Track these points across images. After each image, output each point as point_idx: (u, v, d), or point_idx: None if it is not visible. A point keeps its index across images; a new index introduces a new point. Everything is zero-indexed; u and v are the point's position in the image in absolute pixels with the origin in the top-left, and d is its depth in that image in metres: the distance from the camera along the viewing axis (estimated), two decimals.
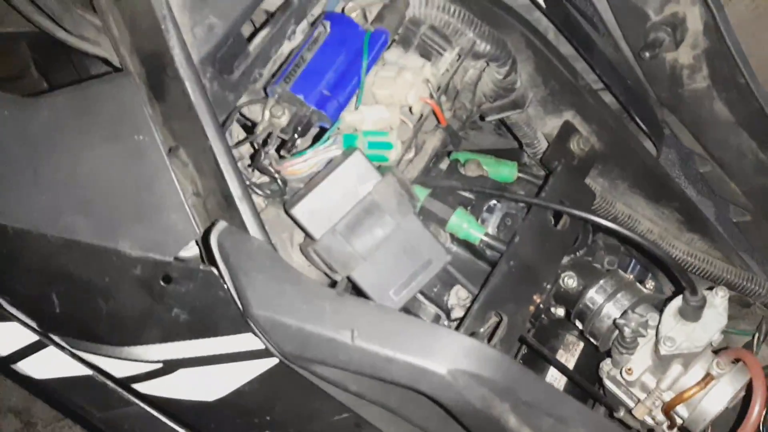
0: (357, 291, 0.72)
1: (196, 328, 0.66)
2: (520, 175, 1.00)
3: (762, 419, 0.79)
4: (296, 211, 0.67)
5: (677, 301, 0.80)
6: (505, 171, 1.00)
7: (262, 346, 0.65)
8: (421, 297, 0.91)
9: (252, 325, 0.61)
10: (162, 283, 0.65)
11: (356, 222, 0.68)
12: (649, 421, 0.87)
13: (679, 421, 0.85)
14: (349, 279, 0.70)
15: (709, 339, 0.78)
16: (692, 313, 0.78)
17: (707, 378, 0.80)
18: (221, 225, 0.63)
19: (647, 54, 0.82)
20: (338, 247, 0.67)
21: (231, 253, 0.61)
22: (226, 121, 0.75)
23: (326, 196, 0.68)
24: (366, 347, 0.57)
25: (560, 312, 0.99)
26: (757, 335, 1.06)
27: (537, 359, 1.00)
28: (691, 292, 0.76)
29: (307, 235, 0.69)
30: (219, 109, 0.73)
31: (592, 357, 0.97)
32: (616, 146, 0.99)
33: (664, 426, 0.87)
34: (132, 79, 0.67)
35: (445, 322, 0.90)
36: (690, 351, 0.78)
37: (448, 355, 0.57)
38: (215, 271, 0.63)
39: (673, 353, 0.78)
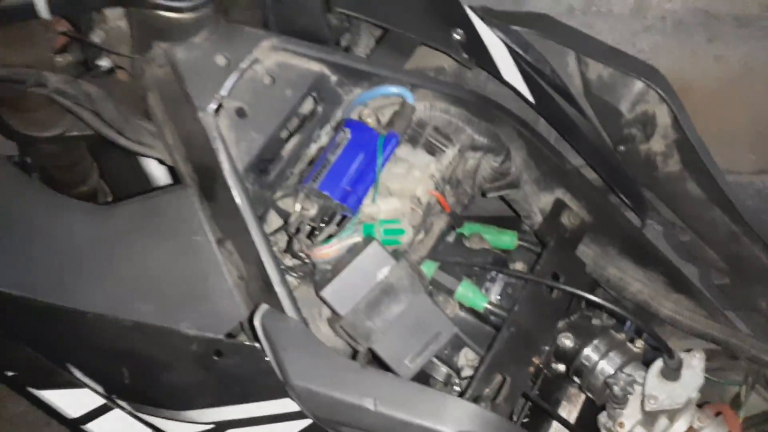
0: (377, 359, 0.84)
1: (243, 394, 0.78)
2: (520, 243, 1.13)
3: None
4: (325, 292, 0.80)
5: (659, 363, 0.91)
6: (506, 240, 1.13)
7: (298, 409, 0.77)
8: (434, 359, 1.02)
9: (290, 392, 0.73)
10: (214, 357, 0.77)
11: (375, 301, 0.80)
12: None
13: None
14: (370, 350, 0.82)
15: (687, 396, 0.89)
16: (671, 373, 0.88)
17: (690, 431, 0.90)
18: (263, 308, 0.76)
19: (622, 147, 0.95)
20: (360, 322, 0.80)
21: (272, 332, 0.74)
22: (263, 215, 0.89)
23: (350, 280, 0.80)
24: (386, 413, 0.68)
25: (561, 367, 1.09)
26: (744, 387, 1.16)
27: (541, 413, 1.10)
28: (669, 356, 0.87)
29: (334, 312, 0.81)
30: (258, 205, 0.87)
31: (593, 407, 1.07)
32: (603, 219, 1.11)
33: None
34: (189, 191, 0.81)
35: (456, 380, 1.02)
36: (672, 407, 0.88)
37: (455, 419, 0.69)
38: (258, 346, 0.76)
39: (657, 409, 0.89)
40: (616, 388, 0.91)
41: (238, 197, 0.79)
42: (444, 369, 1.02)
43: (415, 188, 0.90)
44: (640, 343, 1.06)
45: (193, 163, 0.87)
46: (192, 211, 0.80)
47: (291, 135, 0.93)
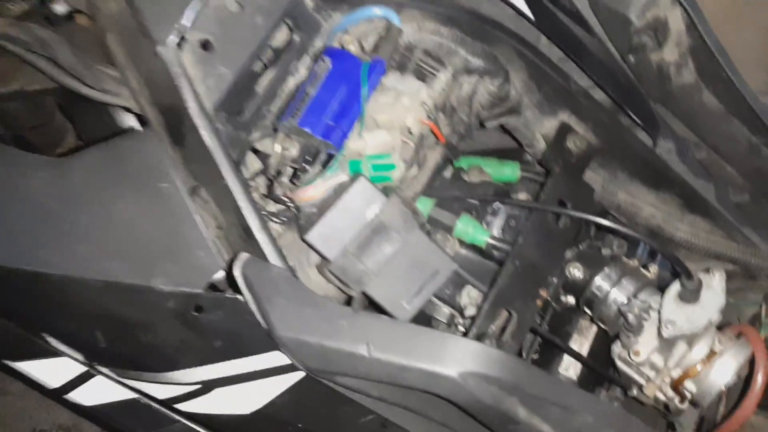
0: (372, 304, 0.78)
1: (228, 350, 0.73)
2: (523, 174, 1.06)
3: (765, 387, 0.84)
4: (310, 236, 0.74)
5: (676, 286, 0.85)
6: (508, 171, 1.06)
7: (289, 362, 0.72)
8: (435, 299, 0.97)
9: (278, 344, 0.68)
10: (194, 313, 0.72)
11: (366, 242, 0.74)
12: (661, 397, 0.92)
13: (688, 395, 0.90)
14: (364, 294, 0.76)
15: (708, 319, 0.83)
16: (690, 295, 0.83)
17: (711, 354, 0.85)
18: (243, 256, 0.70)
19: (632, 58, 0.86)
20: (351, 266, 0.74)
21: (254, 282, 0.68)
22: (240, 158, 0.82)
23: (337, 221, 0.74)
24: (382, 358, 0.63)
25: (571, 300, 1.04)
26: (764, 306, 1.10)
27: (552, 348, 1.05)
28: (687, 277, 0.80)
29: (322, 257, 0.75)
30: (233, 148, 0.80)
31: (606, 338, 1.02)
32: (612, 141, 1.03)
33: (676, 401, 0.92)
34: (153, 135, 0.74)
35: (460, 321, 0.97)
36: (691, 332, 0.83)
37: (457, 360, 0.64)
38: (241, 298, 0.70)
39: (675, 335, 0.83)
40: (630, 316, 0.86)
41: (208, 139, 0.72)
42: (446, 309, 0.97)
43: (405, 118, 0.83)
44: (654, 269, 1.00)
45: (158, 106, 0.79)
46: (157, 155, 0.73)
47: (265, 69, 0.85)
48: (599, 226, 0.92)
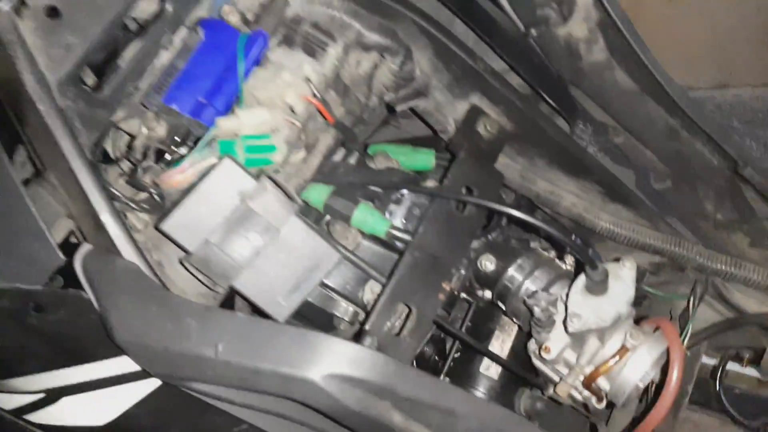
0: (247, 302, 0.70)
1: (73, 354, 0.64)
2: (439, 162, 0.99)
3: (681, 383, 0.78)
4: (166, 226, 0.65)
5: (582, 277, 0.79)
6: (422, 159, 0.99)
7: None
8: (335, 295, 0.89)
9: (121, 348, 0.59)
10: (33, 312, 0.63)
11: (233, 230, 0.66)
12: (577, 396, 0.86)
13: (603, 393, 0.83)
14: (233, 290, 0.68)
15: (617, 312, 0.77)
16: (597, 287, 0.77)
17: (622, 350, 0.79)
18: (85, 247, 0.61)
19: (534, 31, 0.80)
20: (215, 257, 0.65)
21: (95, 277, 0.59)
22: (100, 139, 0.73)
23: (198, 208, 0.66)
24: (231, 361, 0.55)
25: (488, 294, 0.98)
26: (692, 299, 1.05)
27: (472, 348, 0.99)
28: (591, 267, 0.74)
29: (182, 249, 0.67)
30: (87, 127, 0.71)
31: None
32: (527, 126, 0.97)
33: (593, 400, 0.86)
34: None
35: (363, 317, 0.89)
36: (599, 326, 0.77)
37: (319, 361, 0.56)
38: (84, 294, 0.61)
39: (581, 329, 0.77)
40: (536, 309, 0.79)
41: (47, 115, 0.63)
42: (348, 306, 0.89)
43: (285, 94, 0.75)
44: (570, 260, 0.95)
45: None
46: None
47: (130, 40, 0.76)
48: (501, 215, 0.85)
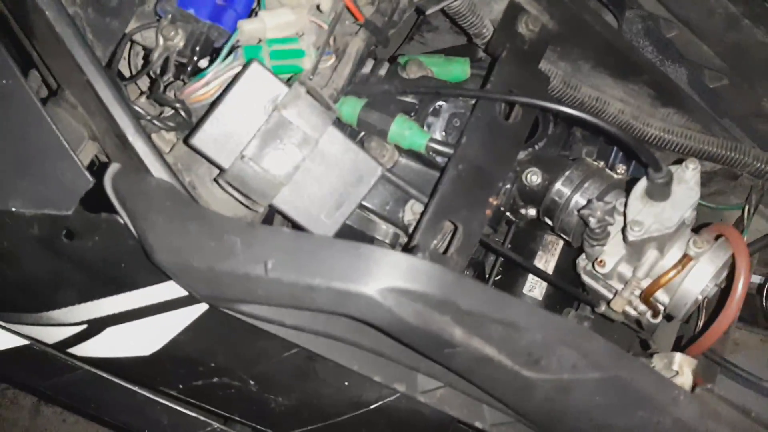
0: (288, 221, 0.66)
1: (113, 282, 0.61)
2: (474, 71, 0.92)
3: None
4: (196, 141, 0.60)
5: (643, 182, 0.73)
6: (457, 69, 0.91)
7: (187, 293, 0.60)
8: (374, 217, 0.85)
9: (160, 269, 0.55)
10: (65, 239, 0.59)
11: (267, 143, 0.61)
12: (632, 311, 0.83)
13: (661, 307, 0.80)
14: (273, 208, 0.64)
15: (680, 217, 0.72)
16: (659, 191, 0.71)
17: (684, 259, 0.74)
18: (113, 168, 0.57)
19: None
20: (251, 174, 0.61)
21: (127, 197, 0.55)
22: (115, 53, 0.67)
23: (228, 119, 0.60)
24: (282, 278, 0.51)
25: (532, 212, 0.93)
26: (747, 207, 0.99)
27: (515, 267, 0.95)
28: (654, 169, 0.68)
29: (216, 166, 0.62)
30: (102, 39, 0.65)
31: (574, 253, 0.91)
32: (572, 23, 0.89)
33: (648, 315, 0.82)
34: None
35: (404, 240, 0.85)
36: (661, 233, 0.72)
37: (375, 274, 0.52)
38: (119, 218, 0.57)
39: (642, 237, 0.72)
40: (592, 220, 0.74)
41: (56, 23, 0.57)
42: (389, 228, 0.85)
43: None
44: (621, 169, 0.88)
45: None
46: None
47: None
48: (553, 113, 0.79)
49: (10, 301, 0.65)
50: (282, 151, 0.61)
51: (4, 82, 0.57)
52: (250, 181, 0.61)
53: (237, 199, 0.65)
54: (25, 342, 0.71)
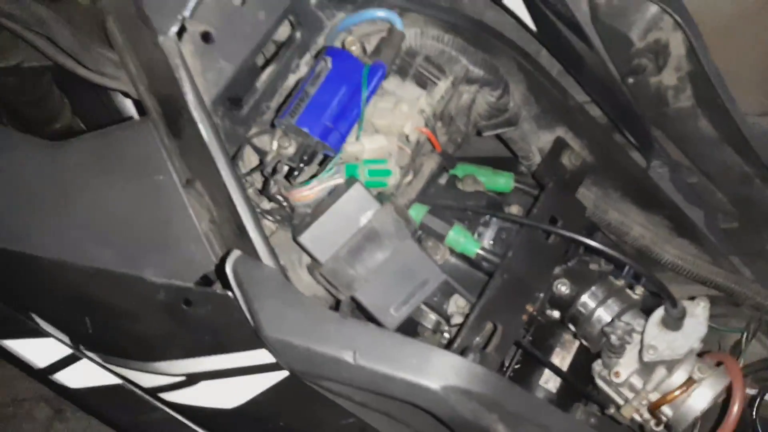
0: (360, 309, 0.78)
1: (215, 345, 0.73)
2: (517, 185, 1.06)
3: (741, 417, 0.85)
4: (303, 238, 0.73)
5: (660, 311, 0.86)
6: (502, 182, 1.06)
7: (274, 360, 0.72)
8: (423, 306, 0.97)
9: (265, 344, 0.68)
10: (183, 306, 0.72)
11: (358, 247, 0.74)
12: (638, 418, 0.94)
13: (664, 418, 0.91)
14: (352, 299, 0.76)
15: (689, 347, 0.84)
16: (674, 323, 0.84)
17: (689, 382, 0.86)
18: (235, 254, 0.70)
19: (631, 80, 0.87)
20: (341, 270, 0.74)
21: (245, 280, 0.68)
22: (237, 153, 0.82)
23: (330, 225, 0.74)
24: (367, 366, 0.63)
25: (556, 314, 1.05)
26: (745, 334, 1.12)
27: (534, 360, 1.06)
28: (672, 305, 0.81)
29: (314, 259, 0.75)
30: (230, 142, 0.79)
31: (588, 354, 1.03)
32: (606, 159, 1.04)
33: (651, 423, 0.93)
34: (151, 125, 0.73)
35: (446, 328, 0.97)
36: (671, 358, 0.84)
37: (440, 373, 0.64)
38: (231, 295, 0.70)
39: (656, 360, 0.84)
40: (613, 338, 0.87)
41: (205, 133, 0.72)
42: (433, 316, 0.98)
43: (404, 125, 0.83)
44: (639, 290, 1.01)
45: (156, 95, 0.79)
46: (154, 147, 0.72)
47: (266, 64, 0.85)
48: (588, 247, 0.93)
49: (124, 350, 0.77)
50: (368, 254, 0.74)
51: (160, 177, 0.71)
52: (339, 276, 0.74)
53: (324, 287, 0.78)
54: (118, 381, 0.83)
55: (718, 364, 0.90)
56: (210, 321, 0.72)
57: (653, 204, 1.08)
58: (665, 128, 0.99)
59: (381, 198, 0.78)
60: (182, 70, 0.73)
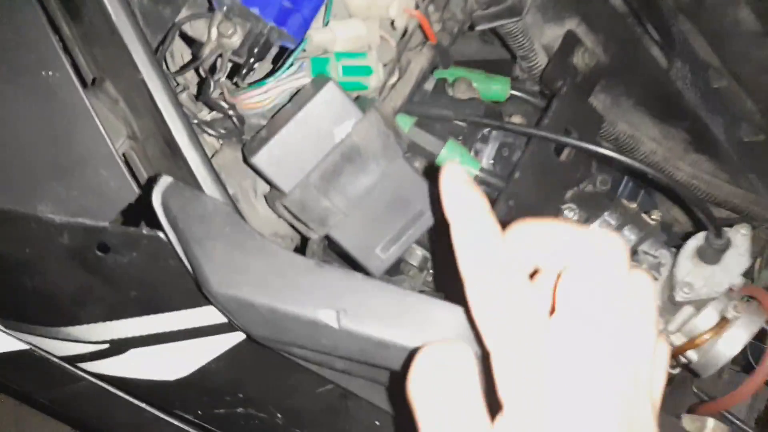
0: (336, 250, 0.61)
1: (146, 302, 0.55)
2: (513, 92, 0.88)
3: None
4: (258, 159, 0.54)
5: (694, 242, 0.72)
6: (497, 88, 0.88)
7: (226, 320, 0.55)
8: None
9: (212, 302, 0.50)
10: (98, 252, 0.53)
11: (333, 170, 0.56)
12: None
13: (685, 361, 0.79)
14: (327, 237, 0.59)
15: (730, 283, 0.71)
16: (712, 255, 0.70)
17: (722, 322, 0.74)
18: (165, 180, 0.50)
19: None
20: (313, 201, 0.56)
21: (180, 217, 0.49)
22: (163, 43, 0.60)
23: (295, 140, 0.55)
24: (355, 330, 0.47)
25: None
26: (759, 260, 1.00)
27: None
28: (716, 234, 0.67)
29: (274, 187, 0.57)
30: (152, 28, 0.58)
31: None
32: (625, 59, 0.87)
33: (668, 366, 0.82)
34: (35, 4, 0.51)
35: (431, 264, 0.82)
36: (709, 297, 0.71)
37: (452, 335, 0.48)
38: (162, 236, 0.51)
39: (691, 299, 0.71)
40: None
41: (114, 12, 0.50)
42: (420, 251, 0.81)
43: (388, 5, 0.62)
44: (656, 214, 0.87)
45: None
46: (36, 28, 0.50)
47: None
48: (626, 168, 0.76)
49: (24, 312, 0.58)
50: (348, 179, 0.56)
51: (50, 73, 0.49)
52: (310, 208, 0.56)
53: (288, 222, 0.60)
54: (25, 347, 0.64)
55: (748, 299, 0.78)
56: (136, 271, 0.53)
57: (671, 114, 0.92)
58: (698, 18, 0.82)
59: (361, 104, 0.59)
60: None
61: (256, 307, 0.48)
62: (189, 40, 0.64)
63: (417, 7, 0.65)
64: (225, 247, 0.49)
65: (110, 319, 0.56)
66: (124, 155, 0.56)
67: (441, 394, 0.29)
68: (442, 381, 0.29)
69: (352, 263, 0.61)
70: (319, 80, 0.57)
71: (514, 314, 0.29)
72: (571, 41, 0.84)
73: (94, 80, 0.57)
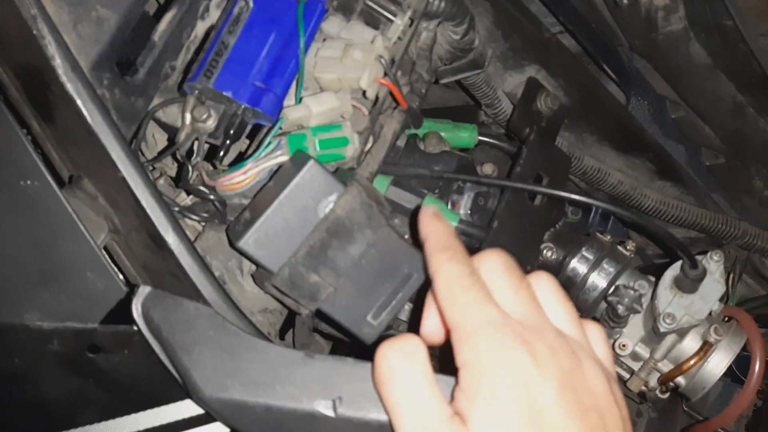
0: (326, 321, 0.61)
1: (140, 398, 0.54)
2: (481, 138, 0.91)
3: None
4: (244, 243, 0.55)
5: (671, 272, 0.74)
6: (465, 136, 0.90)
7: None
8: None
9: (203, 407, 0.50)
10: (89, 354, 0.52)
11: (320, 246, 0.56)
12: (643, 388, 0.84)
13: (672, 385, 0.81)
14: (318, 311, 0.59)
15: (709, 309, 0.73)
16: (690, 285, 0.72)
17: (705, 347, 0.76)
18: (143, 290, 0.49)
19: (625, 0, 0.72)
20: (301, 278, 0.56)
21: (163, 326, 0.49)
22: (137, 134, 0.61)
23: (279, 221, 0.55)
24: (353, 416, 0.47)
25: None
26: (732, 275, 1.04)
27: None
28: (691, 266, 0.70)
29: (261, 267, 0.57)
30: (125, 120, 0.58)
31: None
32: (585, 99, 0.90)
33: (657, 391, 0.83)
34: (4, 110, 0.51)
35: None
36: (690, 324, 0.73)
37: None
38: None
39: (673, 329, 0.73)
40: (620, 308, 0.75)
41: (86, 110, 0.50)
42: (407, 305, 0.82)
43: (358, 77, 0.64)
44: (631, 245, 0.90)
45: (13, 67, 0.56)
46: (11, 140, 0.50)
47: (163, 10, 0.63)
48: (598, 209, 0.78)
49: (18, 426, 0.56)
50: (335, 253, 0.57)
51: (28, 183, 0.49)
52: (299, 286, 0.56)
53: (277, 299, 0.60)
54: None
55: (727, 320, 0.81)
56: (128, 369, 0.53)
57: (634, 146, 0.96)
58: (652, 57, 0.86)
59: (340, 175, 0.60)
60: (41, 23, 0.50)
61: (250, 407, 0.48)
62: (163, 125, 0.64)
63: (386, 75, 0.67)
64: (212, 351, 0.48)
65: (105, 418, 0.55)
66: (106, 249, 0.56)
67: (400, 376, 0.39)
68: (399, 364, 0.39)
69: (343, 331, 0.61)
70: (298, 157, 0.58)
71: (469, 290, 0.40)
72: (533, 87, 0.87)
73: (71, 178, 0.57)
